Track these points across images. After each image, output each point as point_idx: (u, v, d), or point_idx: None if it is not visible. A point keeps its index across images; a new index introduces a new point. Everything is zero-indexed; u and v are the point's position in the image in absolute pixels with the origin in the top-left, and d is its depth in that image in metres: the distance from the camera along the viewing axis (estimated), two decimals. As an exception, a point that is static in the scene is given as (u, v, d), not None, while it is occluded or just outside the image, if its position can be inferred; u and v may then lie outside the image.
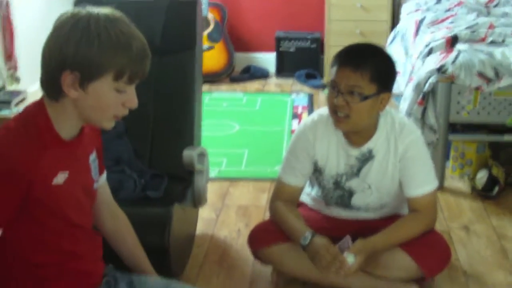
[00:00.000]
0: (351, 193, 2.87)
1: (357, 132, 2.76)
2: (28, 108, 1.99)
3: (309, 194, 3.06)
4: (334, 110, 2.68)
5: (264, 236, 2.91)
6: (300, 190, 2.94)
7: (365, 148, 2.78)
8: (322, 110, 2.87)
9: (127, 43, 1.88)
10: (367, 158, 2.79)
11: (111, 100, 1.94)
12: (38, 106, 1.97)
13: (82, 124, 2.02)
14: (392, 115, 2.80)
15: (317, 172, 2.88)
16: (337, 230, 2.88)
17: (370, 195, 2.86)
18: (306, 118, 2.93)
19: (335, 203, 2.94)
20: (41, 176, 1.91)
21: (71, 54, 1.85)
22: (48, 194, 1.95)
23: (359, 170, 2.81)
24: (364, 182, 2.83)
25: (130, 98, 1.97)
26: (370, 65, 2.62)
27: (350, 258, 2.63)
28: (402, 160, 2.78)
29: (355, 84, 2.60)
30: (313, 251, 2.66)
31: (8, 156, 1.86)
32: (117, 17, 1.91)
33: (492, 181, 3.87)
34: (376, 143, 2.77)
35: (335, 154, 2.82)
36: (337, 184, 2.86)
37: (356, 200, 2.88)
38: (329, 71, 2.73)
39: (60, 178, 1.96)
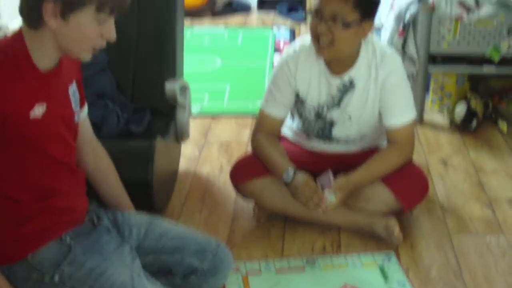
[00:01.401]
0: (332, 124, 2.89)
1: (339, 60, 2.76)
2: (5, 38, 1.99)
3: (290, 128, 3.08)
4: (316, 38, 2.67)
5: (246, 170, 2.94)
6: (282, 121, 2.95)
7: (346, 77, 2.78)
8: (304, 40, 2.86)
9: None
10: (348, 87, 2.80)
11: (91, 31, 1.94)
12: (16, 36, 1.96)
13: (60, 55, 2.01)
14: (373, 43, 2.80)
15: (299, 102, 2.89)
16: (318, 164, 2.92)
17: (350, 126, 2.88)
18: (288, 48, 2.91)
19: (316, 135, 2.96)
20: (16, 108, 1.91)
21: None
22: (26, 128, 1.95)
23: (340, 100, 2.83)
24: (344, 113, 2.85)
25: (109, 29, 1.97)
26: None
27: (330, 198, 2.68)
28: (382, 88, 2.79)
29: (338, 10, 2.59)
30: (294, 186, 2.71)
31: None
32: None
33: (470, 114, 3.89)
34: (357, 72, 2.78)
35: (316, 84, 2.83)
36: (319, 114, 2.88)
37: (336, 131, 2.91)
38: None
39: (38, 110, 1.96)
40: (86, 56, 2.02)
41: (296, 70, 2.83)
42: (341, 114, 2.86)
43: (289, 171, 2.73)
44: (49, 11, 1.87)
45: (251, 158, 2.99)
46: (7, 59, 1.92)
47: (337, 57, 2.72)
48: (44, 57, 1.98)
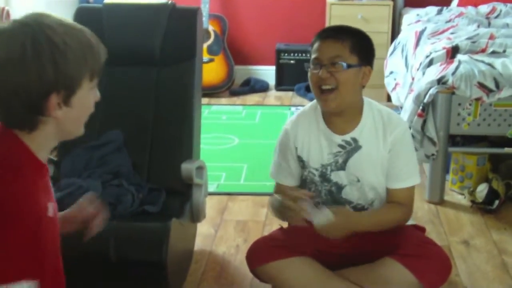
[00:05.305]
0: (339, 188, 2.84)
1: (341, 115, 2.74)
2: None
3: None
4: (319, 86, 2.69)
5: (261, 254, 2.85)
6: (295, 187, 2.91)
7: (348, 137, 2.77)
8: (304, 107, 2.91)
9: (87, 40, 1.80)
10: (353, 148, 2.77)
11: (91, 101, 1.87)
12: (10, 141, 1.81)
13: (58, 142, 1.92)
14: (377, 106, 2.82)
15: (304, 168, 2.86)
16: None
17: (360, 188, 2.83)
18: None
19: (325, 200, 2.87)
20: (41, 211, 1.77)
21: (52, 76, 1.73)
22: (49, 229, 1.80)
23: (345, 162, 2.79)
24: (351, 175, 2.81)
25: (96, 92, 1.89)
26: (350, 37, 2.70)
27: (328, 213, 2.56)
28: (391, 150, 2.77)
29: (337, 54, 2.65)
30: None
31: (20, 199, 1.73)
32: (57, 17, 1.79)
33: (492, 194, 3.85)
34: (361, 132, 2.76)
35: (317, 144, 2.80)
36: (323, 176, 2.83)
37: (345, 194, 2.84)
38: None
39: (50, 209, 1.82)
40: (82, 130, 1.91)
41: (296, 134, 2.83)
42: (348, 176, 2.81)
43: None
44: (53, 105, 1.76)
45: (266, 240, 2.93)
46: (13, 163, 1.77)
47: (342, 106, 2.70)
48: (45, 152, 1.86)
